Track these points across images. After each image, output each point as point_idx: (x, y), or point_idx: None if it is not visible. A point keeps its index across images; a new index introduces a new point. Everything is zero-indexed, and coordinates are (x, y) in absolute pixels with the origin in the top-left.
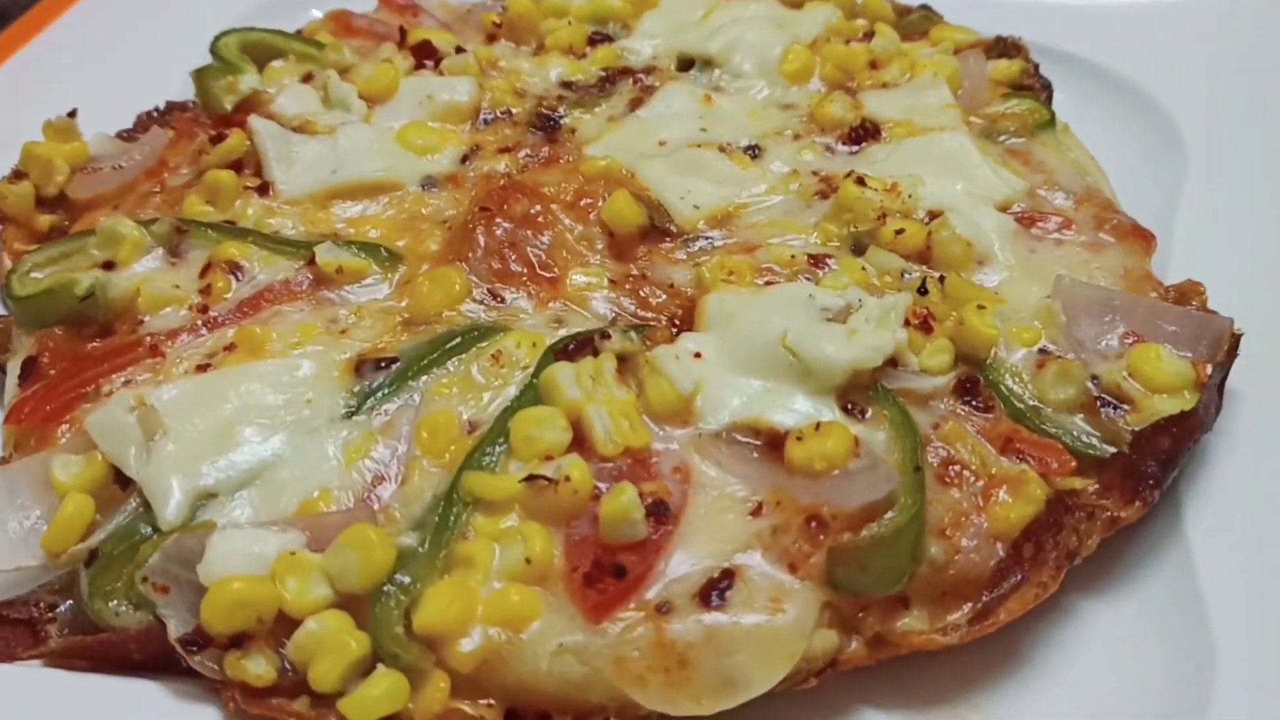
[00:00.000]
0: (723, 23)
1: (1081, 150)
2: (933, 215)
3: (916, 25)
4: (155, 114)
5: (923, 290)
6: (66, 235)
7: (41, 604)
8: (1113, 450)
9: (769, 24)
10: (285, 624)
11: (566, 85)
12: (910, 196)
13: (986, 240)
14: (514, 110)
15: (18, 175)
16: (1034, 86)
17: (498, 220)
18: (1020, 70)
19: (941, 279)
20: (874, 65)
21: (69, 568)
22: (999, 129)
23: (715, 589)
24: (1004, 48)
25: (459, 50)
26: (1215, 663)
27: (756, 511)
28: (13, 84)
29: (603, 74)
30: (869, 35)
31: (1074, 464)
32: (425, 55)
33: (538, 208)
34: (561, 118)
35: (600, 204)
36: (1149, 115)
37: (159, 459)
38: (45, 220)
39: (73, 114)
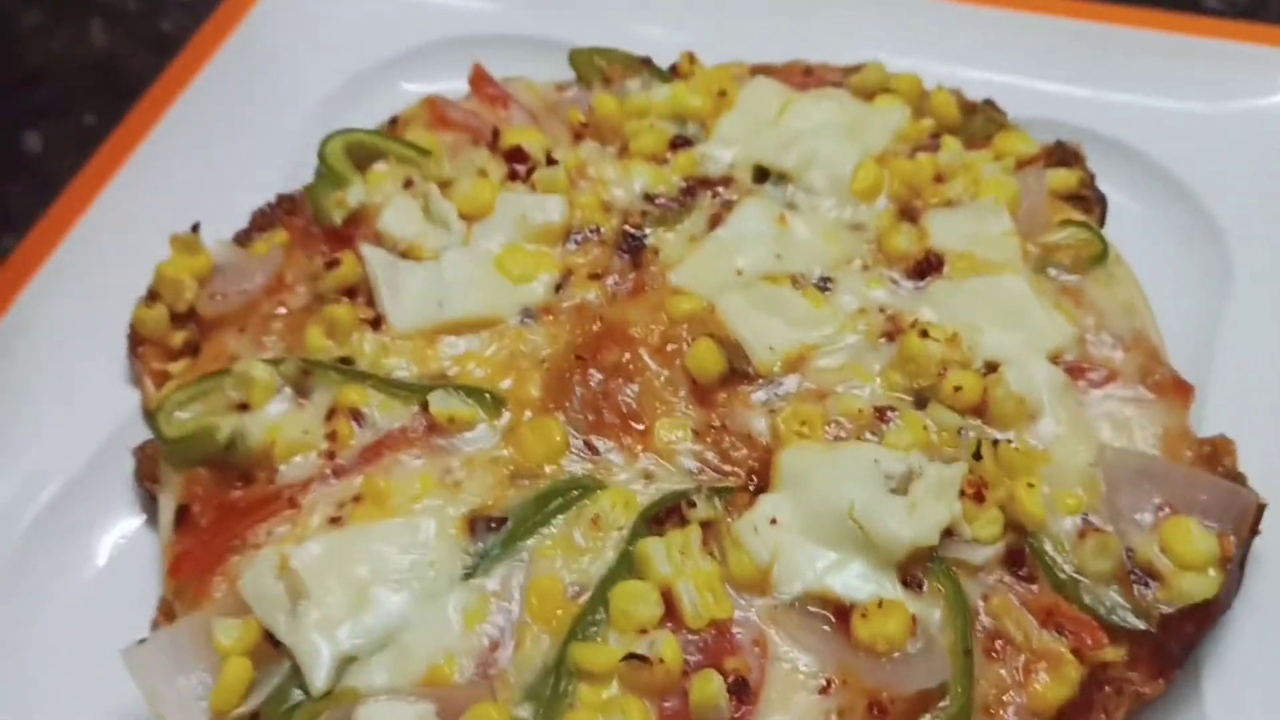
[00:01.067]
0: (797, 129)
1: (1131, 284)
2: (990, 366)
3: (981, 129)
4: (268, 210)
5: (977, 456)
6: (198, 355)
7: None
8: (1142, 626)
9: (842, 133)
10: None
11: (649, 198)
12: (970, 348)
13: (1038, 396)
14: (601, 228)
15: (152, 297)
16: (1089, 199)
17: (591, 371)
18: (1078, 181)
19: (995, 443)
20: (939, 179)
21: None
22: (1053, 260)
23: None
24: (1063, 154)
25: (550, 160)
26: None
27: (825, 690)
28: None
29: (683, 184)
30: (935, 136)
31: (1106, 640)
32: (517, 160)
33: (628, 355)
34: (646, 237)
35: (685, 348)
36: (1197, 220)
37: (305, 625)
38: (179, 337)
39: (196, 228)
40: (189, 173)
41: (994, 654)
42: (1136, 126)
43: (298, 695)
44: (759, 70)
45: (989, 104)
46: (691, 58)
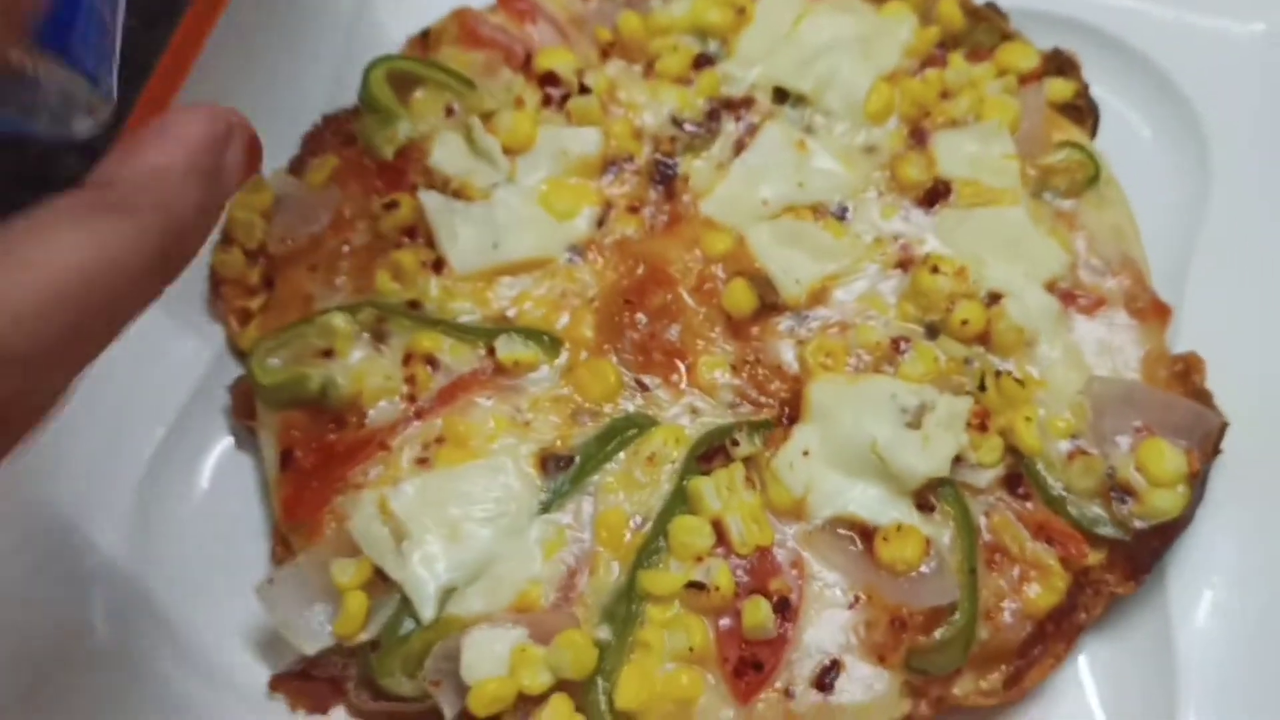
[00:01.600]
0: (813, 44)
1: (1121, 205)
2: (992, 296)
3: (984, 40)
4: (317, 133)
5: (982, 387)
6: (273, 289)
7: (337, 664)
8: (1121, 536)
9: (855, 50)
10: (524, 701)
11: (677, 123)
12: (975, 281)
13: (1035, 325)
14: (635, 158)
15: (227, 241)
16: (1082, 109)
17: (639, 314)
18: (1074, 92)
19: (998, 375)
20: (945, 95)
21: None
22: (1050, 184)
23: (826, 676)
24: (1060, 63)
25: (582, 89)
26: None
27: (853, 605)
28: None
29: (708, 107)
30: (941, 45)
31: (1089, 549)
32: (550, 84)
33: (670, 296)
34: (677, 165)
35: (720, 287)
36: (1185, 131)
37: (410, 562)
38: (254, 274)
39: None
40: (234, 102)
41: (993, 565)
42: (1137, 27)
43: (409, 624)
44: None
45: (992, 7)
46: None
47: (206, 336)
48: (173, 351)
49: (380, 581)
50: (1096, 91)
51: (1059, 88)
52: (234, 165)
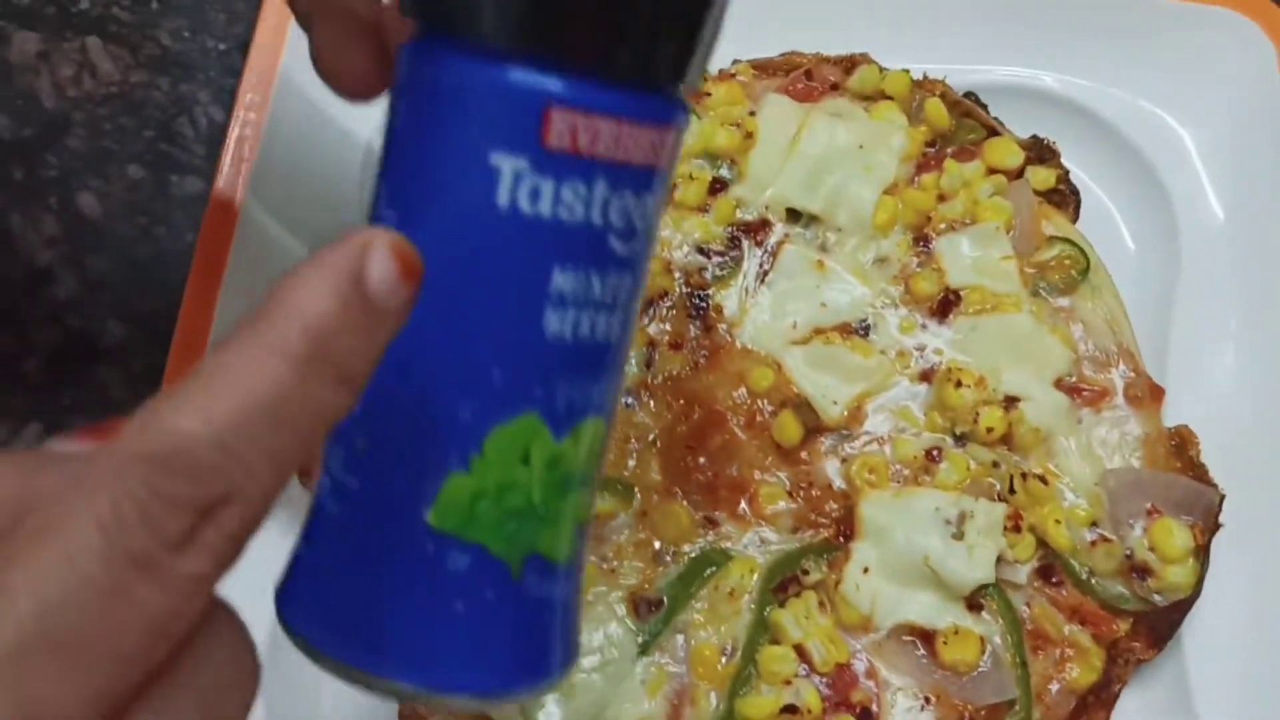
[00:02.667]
0: (815, 156)
1: (1110, 291)
2: (1009, 400)
3: (970, 137)
4: None
5: (1011, 490)
6: None
7: None
8: (1143, 608)
9: (856, 162)
10: None
11: (703, 253)
12: (994, 389)
13: (1049, 424)
14: (669, 294)
15: None
16: (1064, 193)
17: (700, 458)
18: (1056, 179)
19: (1024, 476)
20: (942, 198)
21: None
22: (1047, 280)
23: None
24: (1040, 151)
25: None
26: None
27: (925, 706)
28: None
29: (728, 234)
30: (930, 143)
31: (1118, 625)
32: None
33: (727, 436)
34: (709, 296)
35: (768, 418)
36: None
37: (536, 716)
38: None
39: None
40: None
41: (1037, 650)
42: (1105, 100)
43: None
44: (760, 70)
45: (971, 98)
46: (704, 76)
47: None
48: None
49: None
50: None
51: (1041, 176)
52: (382, 277)
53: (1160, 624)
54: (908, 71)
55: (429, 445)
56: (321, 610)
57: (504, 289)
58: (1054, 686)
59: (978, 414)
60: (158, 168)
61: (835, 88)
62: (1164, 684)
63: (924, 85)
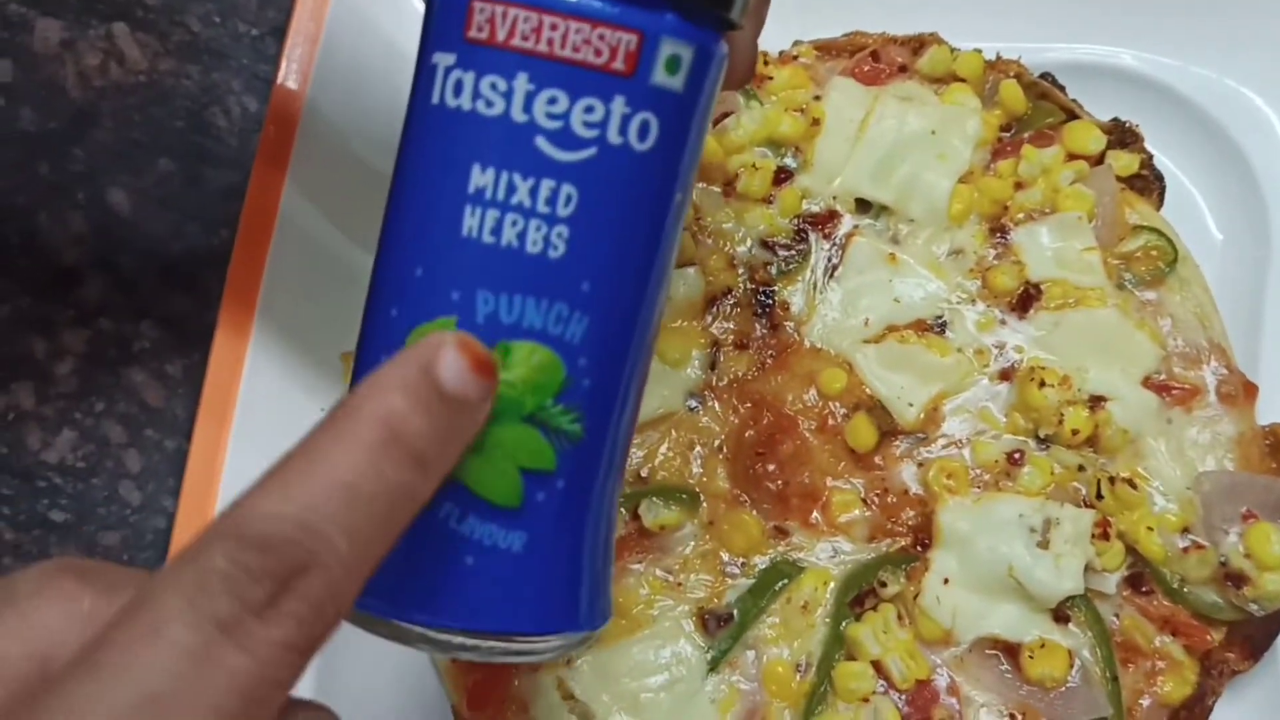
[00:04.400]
0: (885, 145)
1: (1199, 284)
2: (1095, 400)
3: (1047, 120)
4: None
5: (1099, 495)
6: None
7: None
8: (1238, 617)
9: (928, 149)
10: None
11: (767, 246)
12: (1079, 389)
13: (1138, 425)
14: (732, 290)
15: None
16: (1147, 178)
17: (770, 465)
18: (1139, 164)
19: (1112, 480)
20: (1019, 186)
21: None
22: (1133, 272)
23: None
24: (1122, 135)
25: None
26: None
27: None
28: None
29: (794, 226)
30: (1006, 128)
31: (1212, 636)
32: None
33: (798, 442)
34: (774, 293)
35: (840, 421)
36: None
37: None
38: None
39: None
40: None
41: (1127, 663)
42: (1192, 82)
43: None
44: (823, 51)
45: (1048, 79)
46: (765, 58)
47: None
48: None
49: None
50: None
51: (1124, 161)
52: (452, 370)
53: (1257, 634)
54: (979, 52)
55: (377, 344)
56: None
57: (430, 184)
58: (1145, 701)
59: (1062, 415)
60: (189, 160)
61: (904, 70)
62: (1260, 696)
63: (997, 66)
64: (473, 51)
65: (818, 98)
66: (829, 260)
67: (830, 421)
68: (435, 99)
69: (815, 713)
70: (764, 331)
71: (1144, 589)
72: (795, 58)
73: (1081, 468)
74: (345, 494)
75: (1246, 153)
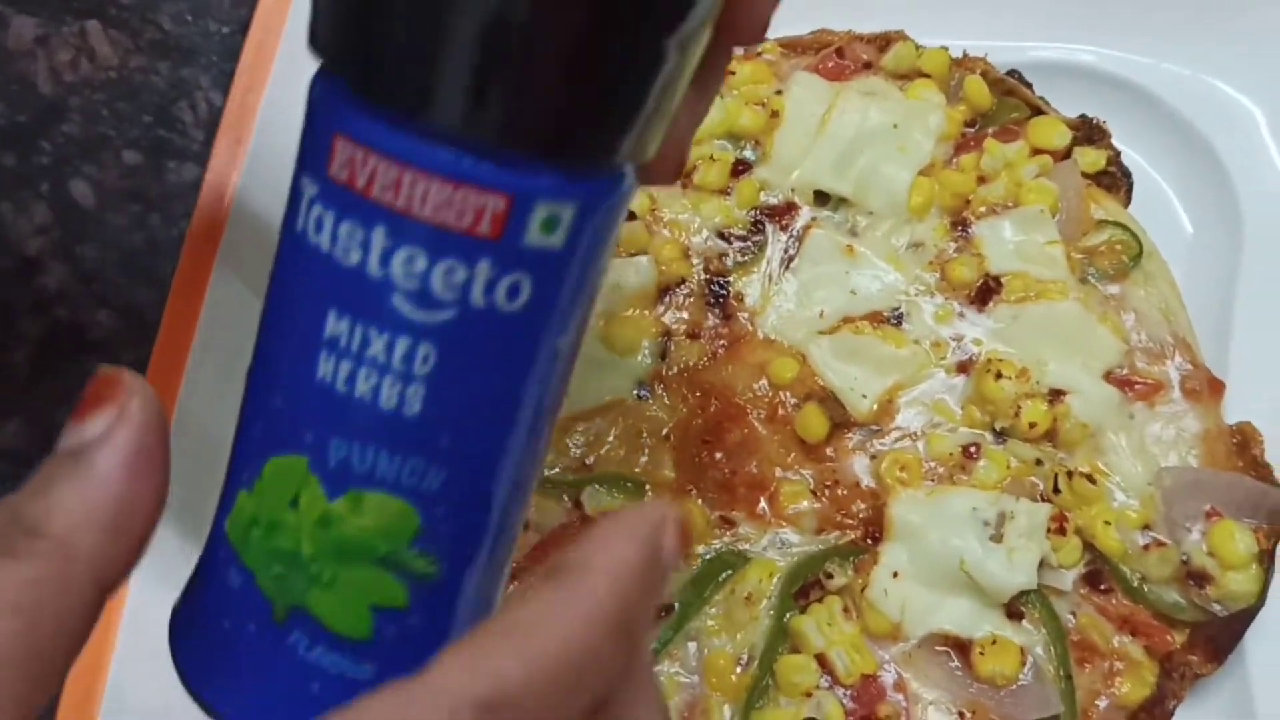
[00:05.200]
0: (846, 137)
1: (1166, 280)
2: (1054, 394)
3: (1012, 116)
4: None
5: (1056, 490)
6: None
7: None
8: (1200, 618)
9: (889, 142)
10: None
11: (724, 237)
12: (1038, 381)
13: (1098, 418)
14: (686, 280)
15: None
16: (1115, 175)
17: (717, 452)
18: (1105, 160)
19: (1070, 474)
20: (981, 179)
21: None
22: (1096, 267)
23: None
24: (1089, 131)
25: (629, 213)
26: None
27: None
28: None
29: (751, 218)
30: (970, 123)
31: (1173, 637)
32: None
33: (746, 430)
34: (729, 284)
35: (790, 411)
36: (1208, 171)
37: None
38: None
39: None
40: None
41: (1084, 662)
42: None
43: None
44: (788, 48)
45: (1014, 76)
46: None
47: None
48: None
49: None
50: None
51: (1090, 158)
52: (671, 551)
53: (1220, 636)
54: (946, 49)
55: (236, 455)
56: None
57: (291, 316)
58: (1102, 702)
59: (1019, 408)
60: (154, 154)
61: (868, 66)
62: (1224, 701)
63: (963, 63)
64: (334, 190)
65: (779, 92)
66: (785, 252)
67: (780, 411)
68: (299, 227)
69: (756, 707)
70: (717, 321)
71: (1102, 587)
72: (759, 54)
73: (1039, 462)
74: (578, 668)
75: (1218, 149)
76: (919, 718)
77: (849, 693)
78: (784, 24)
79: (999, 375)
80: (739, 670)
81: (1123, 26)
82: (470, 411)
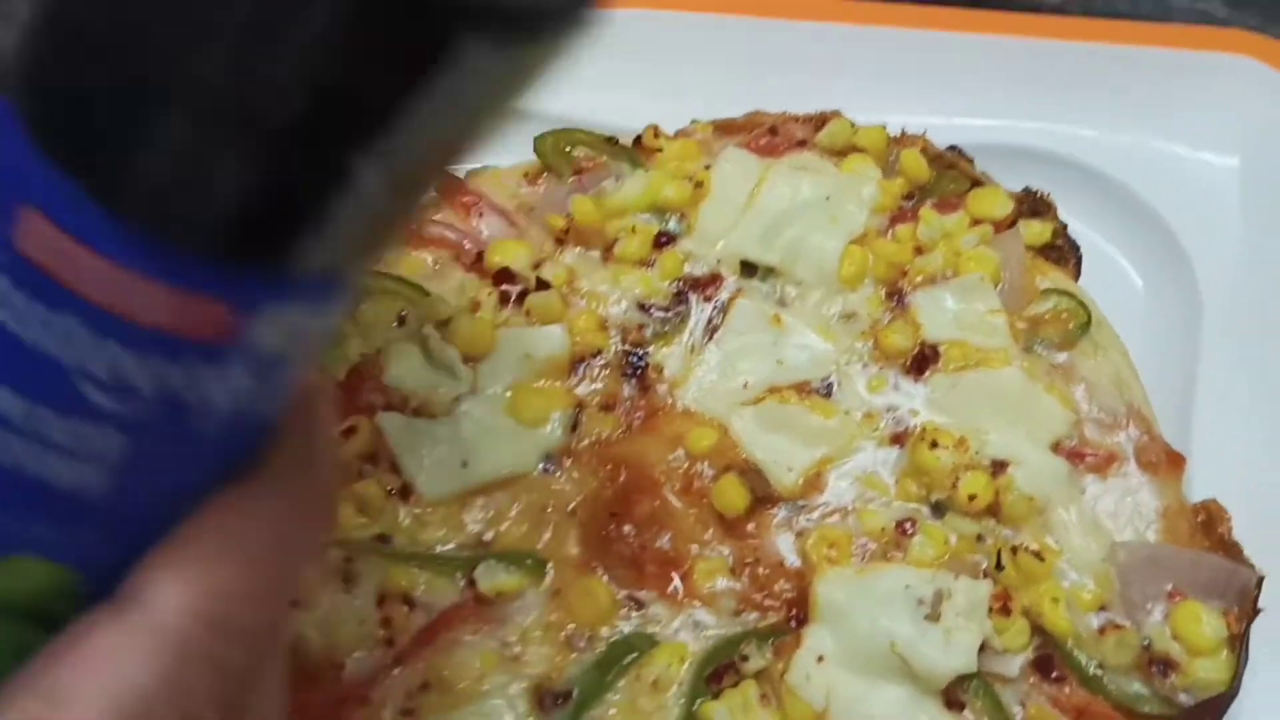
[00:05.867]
0: (776, 210)
1: (1116, 349)
2: (997, 465)
3: (953, 186)
4: None
5: (999, 566)
6: None
7: None
8: (1166, 711)
9: (821, 214)
10: None
11: (644, 309)
12: (977, 451)
13: (1045, 491)
14: (602, 351)
15: None
16: (1062, 248)
17: (625, 526)
18: (1051, 233)
19: (1014, 550)
20: (919, 251)
21: None
22: (1041, 336)
23: None
24: (1034, 204)
25: (540, 284)
26: None
27: None
28: None
29: (674, 289)
30: (908, 196)
31: None
32: (506, 282)
33: (657, 503)
34: (647, 355)
35: (707, 484)
36: (1162, 249)
37: None
38: None
39: None
40: None
41: None
42: (1104, 153)
43: None
44: (721, 129)
45: (955, 151)
46: (656, 131)
47: None
48: None
49: None
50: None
51: (1035, 230)
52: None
53: None
54: (884, 126)
55: None
56: None
57: None
58: None
59: (958, 479)
60: None
61: (802, 144)
62: None
63: (902, 141)
64: (15, 259)
65: (708, 167)
66: (709, 322)
67: (696, 484)
68: None
69: None
70: (633, 393)
71: (1054, 675)
72: (691, 134)
73: (981, 538)
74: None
75: (1170, 222)
76: None
77: None
78: (719, 106)
79: (934, 444)
80: None
81: (1061, 104)
82: (145, 497)
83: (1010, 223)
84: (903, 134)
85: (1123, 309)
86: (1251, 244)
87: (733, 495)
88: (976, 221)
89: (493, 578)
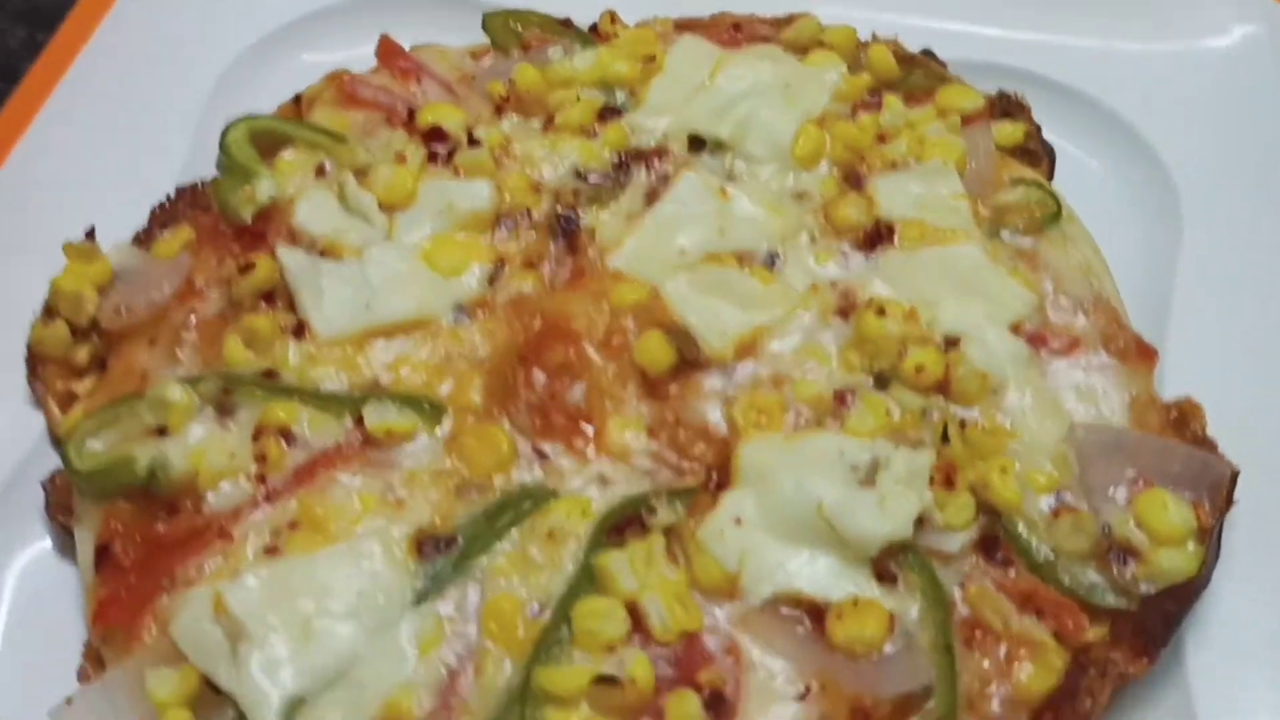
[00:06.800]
0: (731, 92)
1: (1086, 242)
2: (950, 341)
3: (921, 83)
4: (169, 205)
5: (945, 439)
6: (105, 371)
7: None
8: (1124, 605)
9: (778, 95)
10: None
11: (581, 175)
12: (928, 324)
13: (1001, 370)
14: (532, 211)
15: (49, 314)
16: (1035, 152)
17: (535, 371)
18: (1024, 134)
19: (963, 424)
20: (882, 139)
21: None
22: (1006, 222)
23: None
24: (1007, 106)
25: (472, 139)
26: None
27: (804, 695)
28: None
29: (615, 159)
30: (874, 92)
31: (1088, 622)
32: (436, 140)
33: (572, 352)
34: (580, 218)
35: (631, 340)
36: (1146, 166)
37: (247, 668)
38: (82, 353)
39: (91, 233)
40: (76, 170)
41: (973, 643)
42: (1079, 68)
43: None
44: (684, 26)
45: (927, 54)
46: (613, 17)
47: (22, 424)
48: None
49: (212, 695)
50: (1049, 136)
51: (1007, 131)
52: None
53: (1151, 623)
54: (853, 28)
55: None
56: None
57: None
58: (997, 692)
59: (905, 350)
60: None
61: (766, 40)
62: (1162, 713)
63: (873, 43)
64: None
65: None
66: (651, 191)
67: (618, 339)
68: None
69: (544, 661)
70: (560, 252)
71: (999, 557)
72: (651, 27)
73: (927, 413)
74: None
75: (1148, 136)
76: (751, 688)
77: (666, 653)
78: (686, 5)
79: (881, 311)
80: (527, 619)
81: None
82: None
83: (980, 122)
84: (874, 37)
85: (1101, 218)
86: (1224, 141)
87: (657, 352)
88: (945, 114)
89: (382, 416)
